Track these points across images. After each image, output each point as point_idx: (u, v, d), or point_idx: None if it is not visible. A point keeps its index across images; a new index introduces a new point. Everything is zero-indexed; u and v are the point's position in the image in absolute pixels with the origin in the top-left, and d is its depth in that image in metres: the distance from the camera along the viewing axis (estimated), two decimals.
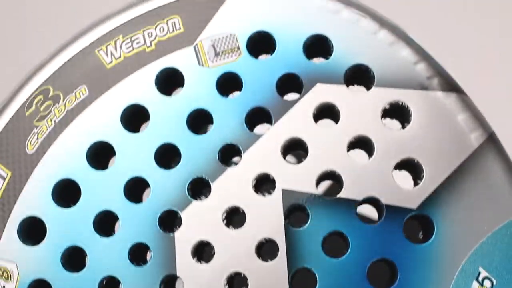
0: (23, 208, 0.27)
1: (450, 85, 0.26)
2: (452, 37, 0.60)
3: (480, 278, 0.26)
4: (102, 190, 0.27)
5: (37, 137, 0.28)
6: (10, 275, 0.27)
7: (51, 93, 0.28)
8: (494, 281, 0.26)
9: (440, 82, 0.26)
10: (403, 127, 0.26)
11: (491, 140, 0.26)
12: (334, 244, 0.26)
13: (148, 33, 0.28)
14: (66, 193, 0.28)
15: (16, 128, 0.28)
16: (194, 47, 0.27)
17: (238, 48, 0.27)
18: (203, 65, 0.27)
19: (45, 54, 0.29)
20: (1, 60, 0.54)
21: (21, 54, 0.53)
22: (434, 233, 0.26)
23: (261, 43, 0.27)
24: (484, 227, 0.26)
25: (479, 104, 0.26)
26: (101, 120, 0.27)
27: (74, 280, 0.27)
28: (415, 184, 0.26)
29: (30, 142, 0.28)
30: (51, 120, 0.28)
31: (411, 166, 0.26)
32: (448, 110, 0.26)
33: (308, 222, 0.26)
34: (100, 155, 0.28)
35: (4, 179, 0.28)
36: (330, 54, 0.27)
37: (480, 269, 0.26)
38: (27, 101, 0.28)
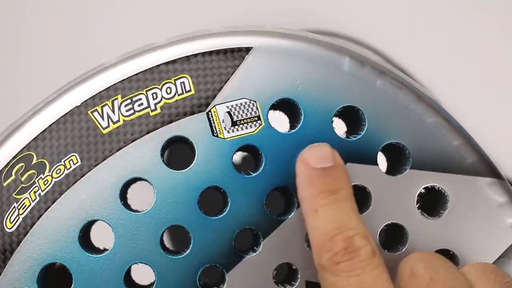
0: None
1: (493, 172, 0.24)
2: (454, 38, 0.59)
3: None
4: (97, 279, 0.23)
5: (18, 213, 0.24)
6: None
7: (34, 161, 0.24)
8: None
9: (482, 167, 0.24)
10: (439, 215, 0.24)
11: None
12: None
13: (153, 94, 0.24)
14: (55, 277, 0.24)
15: None
16: (207, 114, 0.24)
17: (259, 118, 0.24)
18: (217, 135, 0.24)
19: (25, 105, 0.25)
20: None
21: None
22: None
23: (284, 107, 0.24)
24: None
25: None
26: (96, 196, 0.24)
27: None
28: None
29: (9, 218, 0.24)
30: (34, 193, 0.24)
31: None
32: (488, 197, 0.24)
33: None
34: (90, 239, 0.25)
35: None
36: (362, 130, 0.24)
37: None
38: (4, 169, 0.24)
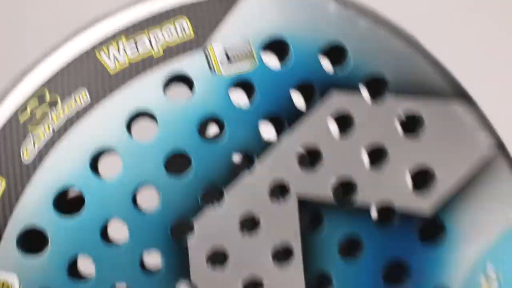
0: (22, 217, 0.26)
1: (462, 94, 0.27)
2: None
3: (488, 273, 0.27)
4: (107, 199, 0.26)
5: (34, 145, 0.26)
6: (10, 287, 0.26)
7: (47, 97, 0.26)
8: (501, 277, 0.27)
9: (454, 91, 0.27)
10: (416, 134, 0.27)
11: (501, 147, 0.27)
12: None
13: (154, 35, 0.26)
14: (69, 202, 0.27)
15: (9, 134, 0.26)
16: (204, 51, 0.26)
17: (252, 55, 0.26)
18: (215, 71, 0.26)
19: (37, 51, 0.27)
20: None
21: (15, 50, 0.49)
22: (447, 235, 0.27)
23: (274, 47, 0.27)
24: (496, 228, 0.27)
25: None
26: (104, 127, 0.26)
27: None
28: (427, 190, 0.27)
29: (27, 149, 0.26)
30: (48, 126, 0.26)
31: (425, 174, 0.27)
32: (460, 119, 0.27)
33: (323, 227, 0.26)
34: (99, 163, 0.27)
35: None
36: (346, 62, 0.26)
37: (488, 265, 0.27)
38: (20, 106, 0.26)
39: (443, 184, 0.26)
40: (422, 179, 0.27)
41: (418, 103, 0.26)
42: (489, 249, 0.27)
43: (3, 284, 0.26)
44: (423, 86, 0.26)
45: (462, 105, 0.27)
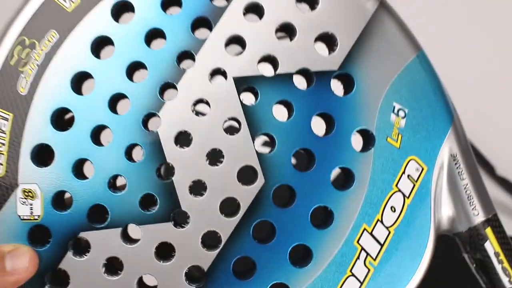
0: (30, 139, 0.34)
1: None
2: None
3: (395, 111, 0.34)
4: (90, 110, 0.33)
5: (26, 80, 0.33)
6: (35, 194, 0.34)
7: (27, 42, 0.34)
8: (406, 110, 0.34)
9: None
10: (314, 8, 0.33)
11: (382, 5, 0.33)
12: None
13: None
14: (62, 119, 0.34)
15: (5, 77, 0.34)
16: None
17: None
18: None
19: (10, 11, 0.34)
20: None
21: None
22: (355, 85, 0.34)
23: None
24: (391, 72, 0.34)
25: None
26: (75, 54, 0.33)
27: (88, 184, 0.33)
28: (333, 51, 0.34)
29: (21, 85, 0.33)
30: (33, 63, 0.33)
31: (327, 38, 0.33)
32: None
33: (259, 98, 0.33)
34: (80, 83, 0.34)
35: (8, 120, 0.34)
36: None
37: (394, 103, 0.34)
38: (8, 53, 0.34)
39: (344, 44, 0.33)
40: (327, 43, 0.34)
41: None
42: (391, 88, 0.34)
43: (29, 191, 0.34)
44: None
45: None
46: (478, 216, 0.34)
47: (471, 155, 0.35)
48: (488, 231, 0.34)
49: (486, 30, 0.73)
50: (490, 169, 0.66)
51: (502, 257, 0.34)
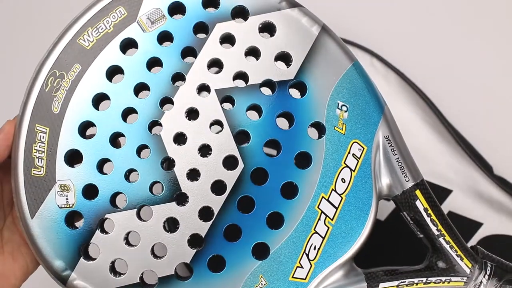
0: (63, 146, 0.44)
1: (292, 3, 0.44)
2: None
3: (339, 106, 0.45)
4: (108, 121, 0.44)
5: (58, 102, 0.44)
6: (69, 188, 0.44)
7: (57, 73, 0.45)
8: (347, 105, 0.45)
9: (286, 3, 0.44)
10: (273, 35, 0.45)
11: (324, 29, 0.45)
12: None
13: (106, 21, 0.44)
14: (86, 130, 0.45)
15: (43, 100, 0.44)
16: (137, 22, 0.44)
17: (164, 16, 0.44)
18: (146, 31, 0.44)
19: (41, 51, 0.45)
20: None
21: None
22: (308, 89, 0.45)
23: (176, 9, 0.45)
24: (334, 78, 0.45)
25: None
26: (94, 81, 0.44)
27: (109, 178, 0.44)
28: (289, 65, 0.45)
29: (54, 106, 0.44)
30: (63, 89, 0.44)
31: (284, 56, 0.45)
32: (296, 18, 0.45)
33: (235, 104, 0.44)
34: (99, 102, 0.45)
35: (46, 133, 0.44)
36: (219, 4, 0.44)
37: (338, 101, 0.45)
38: (44, 83, 0.44)
39: (297, 60, 0.44)
40: (284, 60, 0.45)
41: (269, 15, 0.44)
42: (335, 90, 0.45)
43: (64, 186, 0.44)
44: (269, 6, 0.44)
45: (295, 11, 0.45)
46: (409, 182, 0.45)
47: (400, 136, 0.45)
48: (418, 192, 0.45)
49: (486, 30, 0.74)
50: (488, 169, 0.67)
51: (430, 211, 0.45)
